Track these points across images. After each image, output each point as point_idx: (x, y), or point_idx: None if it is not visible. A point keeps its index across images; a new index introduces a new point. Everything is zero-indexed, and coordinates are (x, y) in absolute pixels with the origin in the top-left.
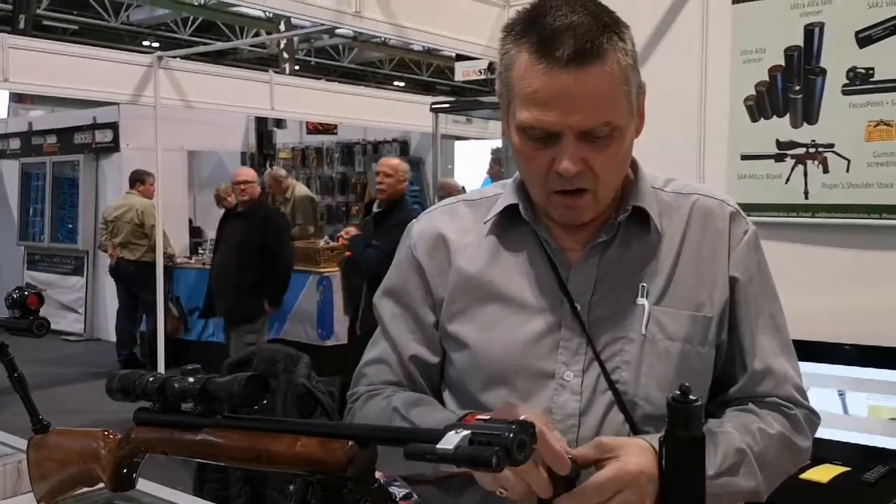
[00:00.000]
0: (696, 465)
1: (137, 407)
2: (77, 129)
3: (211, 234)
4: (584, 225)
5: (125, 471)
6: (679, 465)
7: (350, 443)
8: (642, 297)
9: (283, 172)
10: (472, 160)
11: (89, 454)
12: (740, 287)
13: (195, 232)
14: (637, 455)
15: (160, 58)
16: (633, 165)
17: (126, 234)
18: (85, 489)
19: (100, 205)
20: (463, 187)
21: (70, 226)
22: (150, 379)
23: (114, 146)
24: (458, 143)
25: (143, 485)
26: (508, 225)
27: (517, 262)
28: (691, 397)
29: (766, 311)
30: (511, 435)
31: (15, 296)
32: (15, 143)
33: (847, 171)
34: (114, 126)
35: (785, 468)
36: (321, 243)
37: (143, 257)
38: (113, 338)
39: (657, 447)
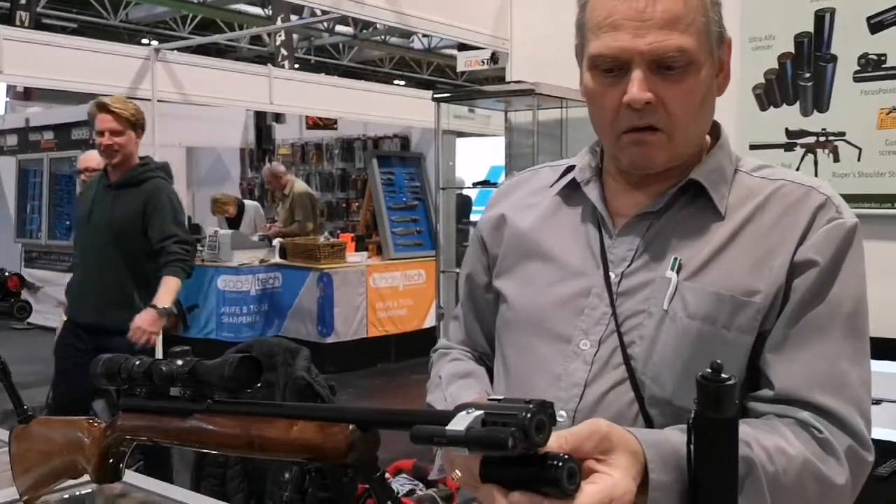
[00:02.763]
0: (728, 451)
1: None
2: (74, 124)
3: (210, 231)
4: (645, 188)
5: (111, 461)
6: (709, 451)
7: (350, 427)
8: (672, 270)
9: (281, 168)
10: (473, 157)
11: (73, 444)
12: (803, 273)
13: (194, 229)
14: (628, 469)
15: (157, 51)
16: (718, 137)
17: None
18: (70, 482)
19: None
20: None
21: (68, 223)
22: (136, 363)
23: None
24: (459, 141)
25: (136, 479)
26: (576, 187)
27: (570, 223)
28: (723, 375)
29: (832, 308)
30: (528, 415)
31: None
32: (12, 140)
33: (858, 159)
34: None
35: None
36: (321, 240)
37: None
38: None
39: (645, 455)
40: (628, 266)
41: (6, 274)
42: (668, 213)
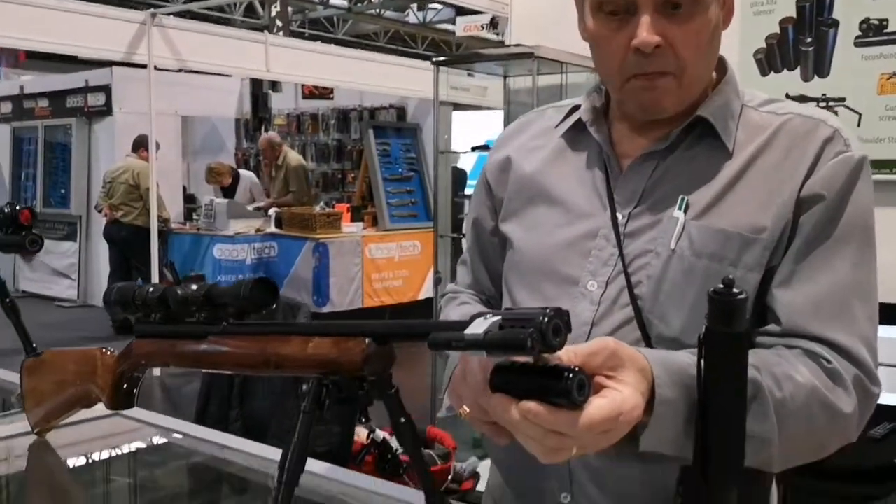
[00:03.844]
0: (738, 367)
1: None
2: (69, 92)
3: (205, 200)
4: (651, 130)
5: (125, 387)
6: (720, 367)
7: (367, 340)
8: (679, 209)
9: (278, 138)
10: (469, 132)
11: (86, 373)
12: (810, 208)
13: (189, 199)
14: (636, 385)
15: (153, 15)
16: (724, 72)
17: (121, 196)
18: (85, 413)
19: (93, 169)
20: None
21: (63, 191)
22: (151, 289)
23: (106, 110)
24: (455, 114)
25: (144, 414)
26: (582, 128)
27: (576, 164)
28: (735, 290)
29: (839, 243)
30: (545, 318)
31: (6, 210)
32: (6, 107)
33: (858, 125)
34: (106, 89)
35: (814, 435)
36: (317, 209)
37: (136, 220)
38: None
39: (653, 372)
40: (635, 207)
41: (17, 207)
42: (676, 153)
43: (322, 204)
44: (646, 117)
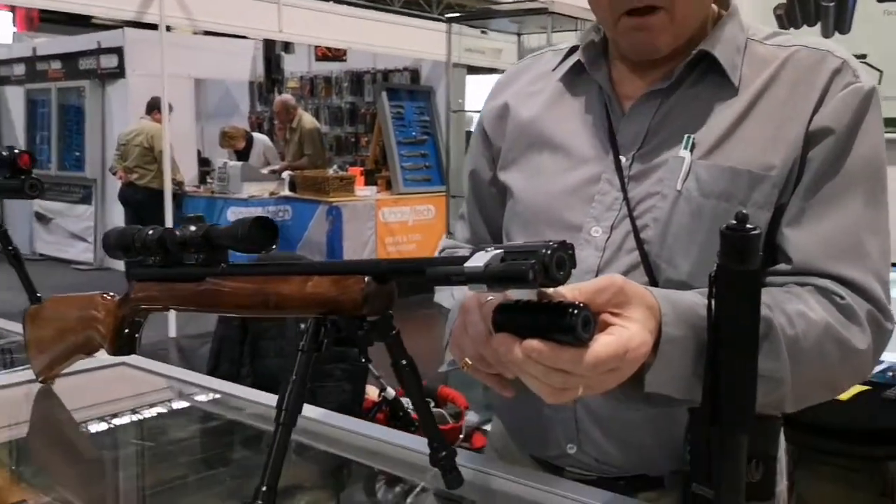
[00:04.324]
0: (751, 305)
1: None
2: (82, 54)
3: (219, 163)
4: (651, 69)
5: (126, 332)
6: (732, 306)
7: (366, 279)
8: (685, 148)
9: (293, 101)
10: (482, 97)
11: (87, 319)
12: (818, 143)
13: (203, 162)
14: (644, 322)
15: None
16: (726, 5)
17: (135, 158)
18: (89, 361)
19: (107, 132)
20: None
21: (77, 154)
22: (149, 232)
23: (119, 72)
24: (469, 78)
25: (149, 364)
26: (581, 71)
27: (576, 108)
28: (748, 225)
29: (850, 177)
30: (548, 251)
31: (4, 154)
32: (19, 69)
33: (879, 82)
34: (119, 51)
35: (828, 372)
36: (330, 172)
37: (150, 183)
38: (122, 266)
39: (660, 309)
40: (639, 148)
41: (16, 151)
42: (679, 90)
43: (335, 167)
44: (640, 58)
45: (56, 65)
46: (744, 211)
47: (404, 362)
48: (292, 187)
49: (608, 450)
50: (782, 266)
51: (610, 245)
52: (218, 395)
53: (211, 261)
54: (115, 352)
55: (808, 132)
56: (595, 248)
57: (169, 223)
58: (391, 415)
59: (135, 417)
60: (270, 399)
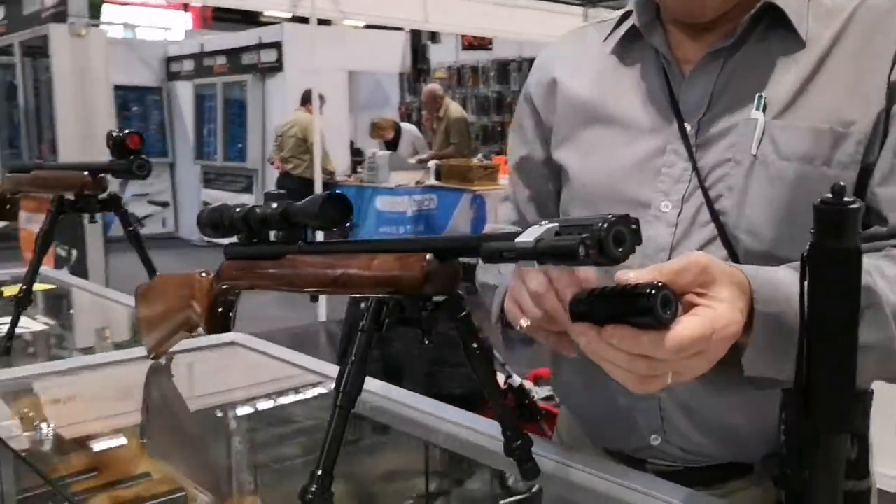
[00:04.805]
0: (848, 286)
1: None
2: (244, 49)
3: (368, 153)
4: (710, 31)
5: (220, 311)
6: (828, 287)
7: (427, 256)
8: (758, 109)
9: (440, 90)
10: None
11: (186, 297)
12: None
13: (355, 153)
14: (732, 301)
15: None
16: None
17: (290, 149)
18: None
19: (266, 124)
20: None
21: (240, 145)
22: (237, 209)
23: (278, 66)
24: None
25: (247, 339)
26: (633, 39)
27: (631, 78)
28: (847, 198)
29: None
30: (605, 224)
31: (115, 135)
32: (189, 65)
33: None
34: (278, 46)
35: None
36: (475, 161)
37: (304, 172)
38: None
39: (751, 289)
40: (705, 113)
41: (126, 132)
42: (744, 48)
43: (481, 156)
44: (689, 19)
45: (221, 60)
46: (841, 183)
47: (475, 346)
48: (438, 176)
49: (696, 438)
50: (877, 229)
51: (682, 220)
52: (320, 379)
53: (290, 238)
54: (210, 331)
55: (890, 83)
56: (667, 224)
57: None
58: (517, 403)
59: (243, 397)
60: (382, 388)
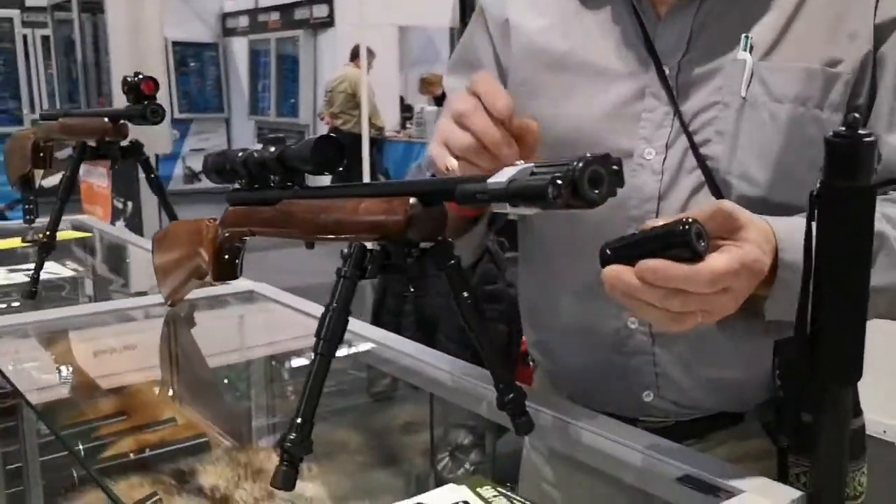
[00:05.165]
0: (862, 231)
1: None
2: (297, 4)
3: (417, 108)
4: None
5: (226, 258)
6: (841, 229)
7: (411, 201)
8: (744, 50)
9: None
10: None
11: (195, 244)
12: (890, 36)
13: (406, 109)
14: (759, 242)
15: None
16: None
17: (340, 104)
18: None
19: (318, 80)
20: None
21: (292, 100)
22: (239, 154)
23: (329, 21)
24: None
25: (265, 289)
26: None
27: (600, 22)
28: (860, 131)
29: None
30: (580, 163)
31: (129, 79)
32: (244, 21)
33: None
34: (329, 0)
35: None
36: None
37: (353, 128)
38: None
39: (775, 234)
40: (684, 54)
41: (140, 77)
42: None
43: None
44: None
45: (274, 16)
46: (856, 115)
47: (465, 295)
48: None
49: (691, 392)
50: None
51: (668, 167)
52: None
53: (286, 183)
54: (217, 277)
55: (876, 25)
56: (652, 171)
57: (366, 168)
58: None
59: (264, 347)
60: (390, 339)
